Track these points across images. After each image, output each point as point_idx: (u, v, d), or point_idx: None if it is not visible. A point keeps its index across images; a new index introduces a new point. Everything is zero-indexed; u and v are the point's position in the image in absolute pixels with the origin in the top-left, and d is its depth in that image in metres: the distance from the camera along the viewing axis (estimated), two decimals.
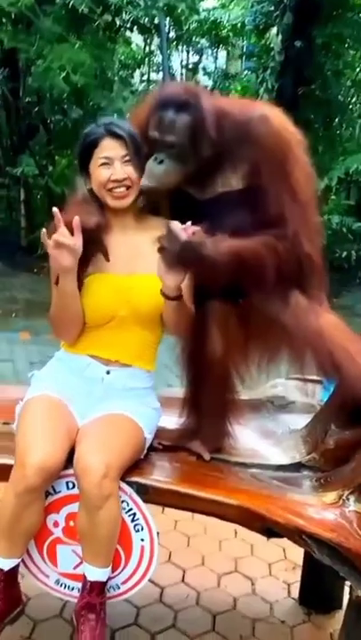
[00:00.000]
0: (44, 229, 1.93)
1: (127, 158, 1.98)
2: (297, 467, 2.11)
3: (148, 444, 2.05)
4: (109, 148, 1.99)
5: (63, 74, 8.33)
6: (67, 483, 1.94)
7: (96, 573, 1.91)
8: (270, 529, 1.89)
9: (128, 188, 2.00)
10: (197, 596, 2.47)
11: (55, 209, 1.93)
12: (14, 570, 1.94)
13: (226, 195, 2.00)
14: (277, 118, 1.96)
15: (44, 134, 11.44)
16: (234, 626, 2.32)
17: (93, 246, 2.00)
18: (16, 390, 2.44)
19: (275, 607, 2.44)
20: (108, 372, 2.07)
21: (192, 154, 1.91)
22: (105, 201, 2.03)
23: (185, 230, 1.82)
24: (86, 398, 2.05)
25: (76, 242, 1.92)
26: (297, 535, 1.85)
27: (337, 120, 9.40)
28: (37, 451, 1.85)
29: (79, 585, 1.98)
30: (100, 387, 2.07)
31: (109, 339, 2.07)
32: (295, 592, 2.52)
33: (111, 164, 1.99)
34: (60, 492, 1.95)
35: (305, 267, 1.98)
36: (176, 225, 1.83)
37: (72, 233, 1.91)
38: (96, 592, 1.91)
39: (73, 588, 2.02)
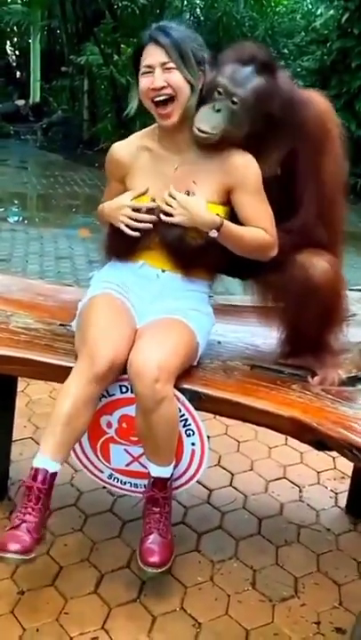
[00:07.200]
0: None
1: (169, 65, 1.90)
2: (353, 380, 2.07)
3: (200, 350, 2.04)
4: (150, 55, 1.92)
5: None
6: (120, 386, 1.96)
7: (158, 470, 1.96)
8: (321, 442, 1.88)
9: (172, 99, 1.92)
10: (245, 499, 2.51)
11: None
12: (54, 477, 1.86)
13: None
14: (323, 105, 2.00)
15: (110, 21, 10.96)
16: (279, 531, 2.36)
17: None
18: (71, 292, 2.44)
19: (321, 515, 2.47)
20: (163, 271, 2.06)
21: (248, 118, 1.89)
22: (156, 118, 1.98)
23: None
24: (143, 299, 2.05)
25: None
26: (348, 450, 1.83)
27: None
28: (109, 343, 1.87)
29: (132, 480, 2.07)
30: (156, 284, 2.06)
31: (162, 253, 2.06)
32: (342, 501, 2.53)
33: (152, 72, 1.92)
34: (113, 395, 1.97)
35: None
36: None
37: None
38: (159, 487, 1.96)
39: (125, 483, 2.09)
